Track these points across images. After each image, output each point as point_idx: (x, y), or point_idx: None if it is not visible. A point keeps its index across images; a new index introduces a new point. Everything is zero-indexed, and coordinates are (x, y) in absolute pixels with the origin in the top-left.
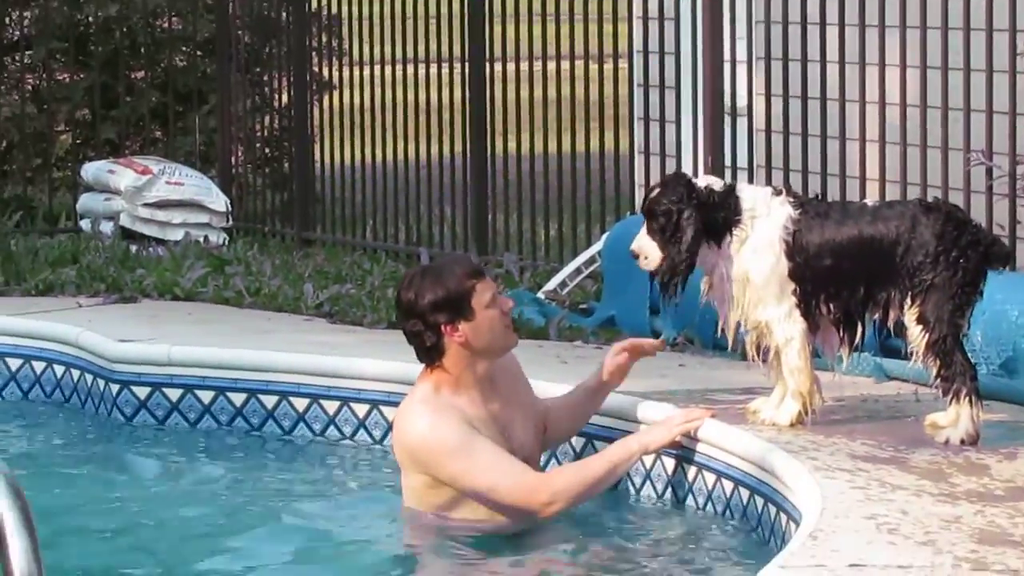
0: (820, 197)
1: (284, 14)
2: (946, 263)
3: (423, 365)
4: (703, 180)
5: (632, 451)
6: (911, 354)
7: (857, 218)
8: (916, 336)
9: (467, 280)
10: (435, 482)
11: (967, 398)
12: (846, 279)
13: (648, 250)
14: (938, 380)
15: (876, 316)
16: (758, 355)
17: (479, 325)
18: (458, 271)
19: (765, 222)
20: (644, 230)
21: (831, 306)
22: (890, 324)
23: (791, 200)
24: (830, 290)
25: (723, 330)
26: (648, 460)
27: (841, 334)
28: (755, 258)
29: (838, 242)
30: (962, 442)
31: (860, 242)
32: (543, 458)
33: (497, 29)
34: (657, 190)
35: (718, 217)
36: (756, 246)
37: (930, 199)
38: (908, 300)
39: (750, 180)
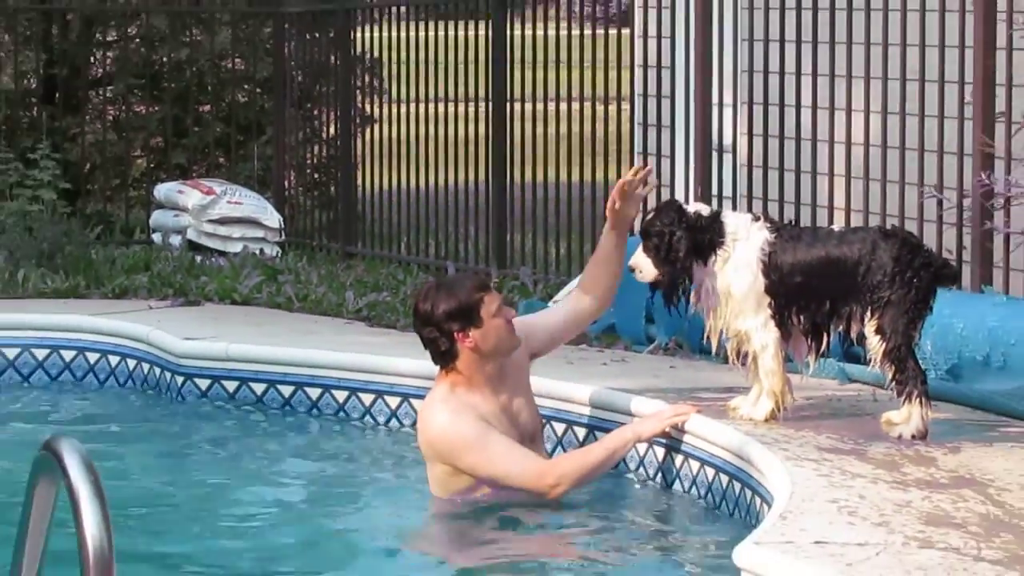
0: (793, 223)
1: (333, 57)
2: (901, 282)
3: (438, 367)
4: (693, 206)
5: (627, 439)
6: (870, 360)
7: (825, 241)
8: (874, 345)
9: (476, 293)
10: (455, 471)
11: (918, 399)
12: (814, 294)
13: (643, 265)
14: (893, 383)
15: (840, 327)
16: (738, 359)
17: (487, 332)
18: (468, 285)
19: (745, 244)
20: (640, 248)
21: (801, 318)
22: (852, 335)
23: (768, 226)
24: (800, 304)
25: (708, 336)
26: (641, 448)
27: (809, 342)
28: (736, 275)
29: (808, 262)
30: (913, 437)
31: (827, 262)
32: (549, 446)
33: (517, 73)
34: (652, 214)
35: (705, 239)
36: (737, 265)
37: (888, 227)
38: (868, 313)
39: (734, 208)
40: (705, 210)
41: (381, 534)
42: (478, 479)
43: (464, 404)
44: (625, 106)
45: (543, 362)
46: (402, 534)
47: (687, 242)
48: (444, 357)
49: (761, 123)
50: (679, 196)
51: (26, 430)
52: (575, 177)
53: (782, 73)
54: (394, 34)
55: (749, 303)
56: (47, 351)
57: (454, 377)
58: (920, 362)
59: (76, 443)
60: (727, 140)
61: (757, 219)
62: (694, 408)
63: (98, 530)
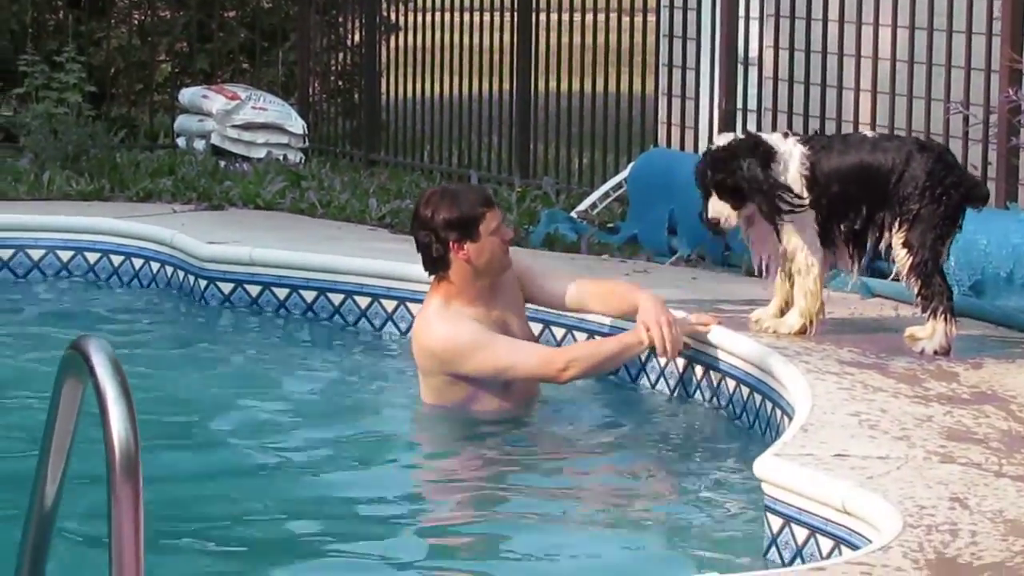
0: (819, 133)
1: None
2: (932, 197)
3: (430, 276)
4: (722, 139)
5: (642, 338)
6: (896, 274)
7: (858, 148)
8: (902, 258)
9: (479, 207)
10: (453, 380)
11: (943, 315)
12: (852, 201)
13: (722, 211)
14: (919, 298)
15: (875, 236)
16: (765, 269)
17: (482, 247)
18: (472, 198)
19: (792, 163)
20: (713, 199)
21: (842, 227)
22: (882, 246)
23: (800, 139)
24: (841, 212)
25: (759, 262)
26: (662, 359)
27: (851, 251)
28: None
29: (843, 169)
30: (936, 352)
31: (861, 168)
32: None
33: None
34: (705, 169)
35: (764, 157)
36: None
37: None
38: (896, 224)
39: (758, 122)
40: (740, 136)
41: (397, 441)
42: (484, 378)
43: (460, 314)
44: (651, 17)
45: (567, 271)
46: (412, 442)
47: (755, 169)
48: (435, 264)
49: (787, 36)
50: (703, 109)
51: (50, 330)
52: (599, 88)
53: None
54: None
55: (796, 220)
56: (72, 253)
57: (447, 288)
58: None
59: (104, 343)
60: (752, 53)
61: (787, 135)
62: (715, 319)
63: (125, 429)
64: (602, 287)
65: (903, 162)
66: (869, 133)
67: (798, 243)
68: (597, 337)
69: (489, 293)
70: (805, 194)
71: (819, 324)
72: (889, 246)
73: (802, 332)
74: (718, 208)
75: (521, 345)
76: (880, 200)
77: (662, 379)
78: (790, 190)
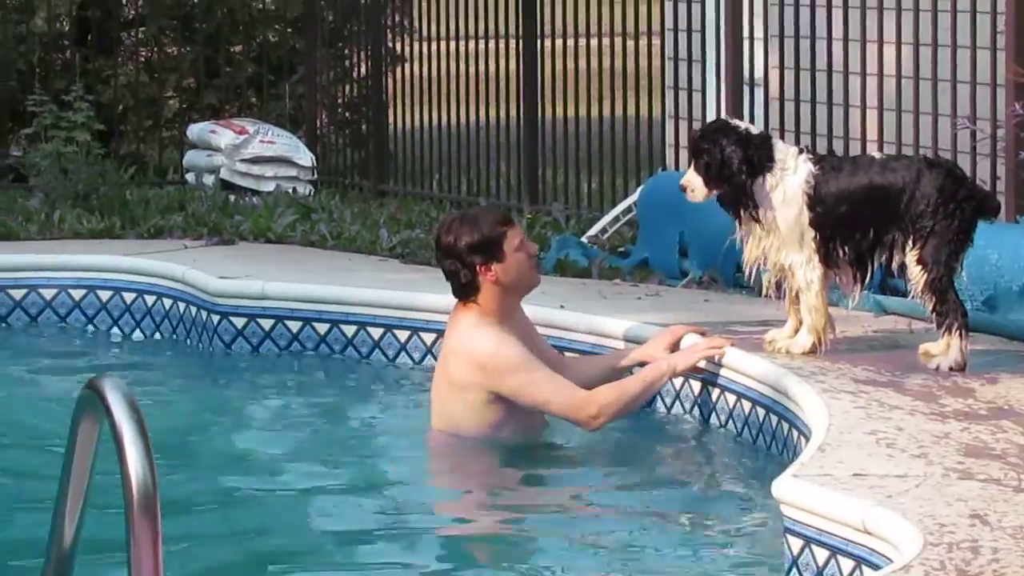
0: (833, 154)
1: None
2: (944, 213)
3: (458, 300)
4: (742, 124)
5: (663, 371)
6: (910, 291)
7: (867, 169)
8: (916, 275)
9: (499, 226)
10: (492, 399)
11: (958, 331)
12: (858, 224)
13: (694, 183)
14: (933, 314)
15: (883, 257)
16: (776, 291)
17: (509, 266)
18: (491, 218)
19: (792, 176)
20: (692, 168)
21: (846, 248)
22: (894, 265)
23: (811, 157)
24: (845, 234)
25: (745, 263)
26: (677, 382)
27: (854, 273)
28: (782, 208)
29: (851, 191)
30: (951, 369)
31: (870, 190)
32: None
33: (547, 9)
34: (700, 132)
35: (755, 156)
36: (784, 197)
37: (933, 157)
38: (910, 243)
39: None
40: (754, 129)
41: (414, 471)
42: (519, 401)
43: (501, 331)
44: (656, 40)
45: (578, 296)
46: (431, 470)
47: (739, 155)
48: (465, 290)
49: (792, 56)
50: None
51: (64, 370)
52: (606, 112)
53: (813, 5)
54: None
55: (793, 237)
56: (84, 291)
57: (478, 309)
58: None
59: (119, 382)
60: (758, 73)
61: (801, 151)
62: (728, 341)
63: (142, 467)
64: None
65: (913, 180)
66: (878, 155)
67: (796, 260)
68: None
69: (513, 322)
70: (805, 211)
71: (828, 341)
72: (903, 265)
73: (814, 350)
74: (691, 178)
75: (560, 382)
76: (890, 220)
77: (678, 402)
78: (750, 198)
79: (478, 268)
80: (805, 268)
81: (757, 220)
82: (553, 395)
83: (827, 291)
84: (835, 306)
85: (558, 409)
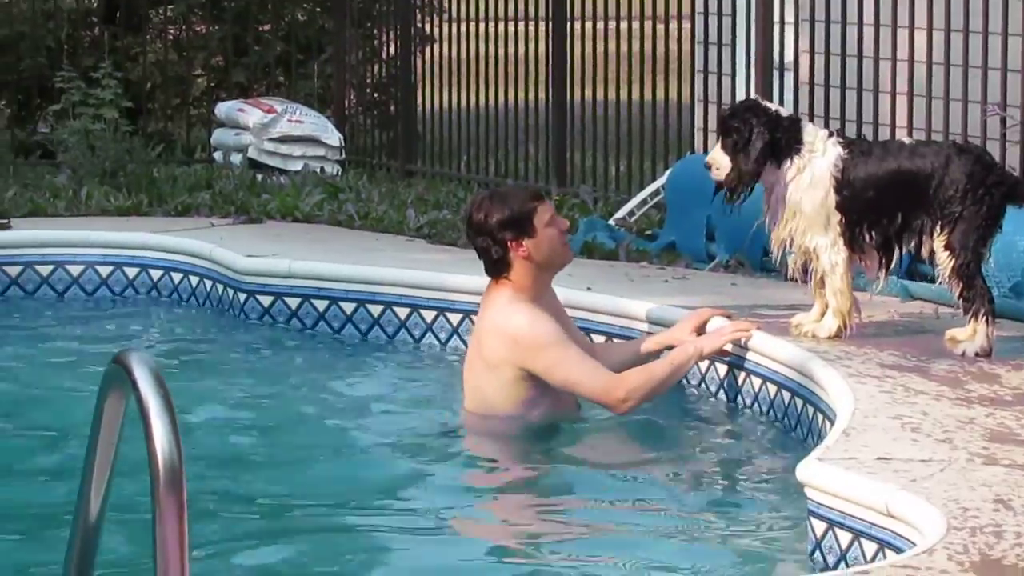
0: (863, 139)
1: None
2: (973, 199)
3: (490, 278)
4: (772, 105)
5: (690, 355)
6: (937, 276)
7: (896, 154)
8: (943, 260)
9: (529, 202)
10: (524, 376)
11: (984, 317)
12: (886, 209)
13: (720, 162)
14: (960, 300)
15: (911, 242)
16: (803, 274)
17: (540, 241)
18: (521, 195)
19: (821, 159)
20: (718, 145)
21: (873, 233)
22: (923, 251)
23: (840, 141)
24: (872, 219)
25: (771, 245)
26: (704, 365)
27: (881, 258)
28: (809, 190)
29: (879, 176)
30: (977, 355)
31: (899, 175)
32: None
33: None
34: (730, 110)
35: (783, 139)
36: (811, 179)
37: (963, 142)
38: (938, 228)
39: None
40: (784, 111)
41: (432, 450)
42: (549, 380)
43: (534, 307)
44: (686, 24)
45: (605, 279)
46: (456, 452)
47: (765, 138)
48: (497, 266)
49: (823, 41)
50: None
51: (91, 345)
52: (635, 96)
53: None
54: None
55: (819, 220)
56: (111, 268)
57: (511, 285)
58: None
59: (146, 356)
60: (788, 58)
61: (831, 135)
62: (754, 325)
63: (168, 443)
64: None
65: (942, 166)
66: (907, 140)
67: (820, 243)
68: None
69: (544, 301)
70: (832, 195)
71: (853, 324)
72: (931, 250)
73: (839, 334)
74: (716, 156)
75: (591, 363)
76: (919, 205)
77: (703, 384)
78: (749, 179)
79: (509, 244)
80: (830, 251)
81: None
82: (583, 376)
83: (852, 274)
84: (861, 291)
85: (587, 391)
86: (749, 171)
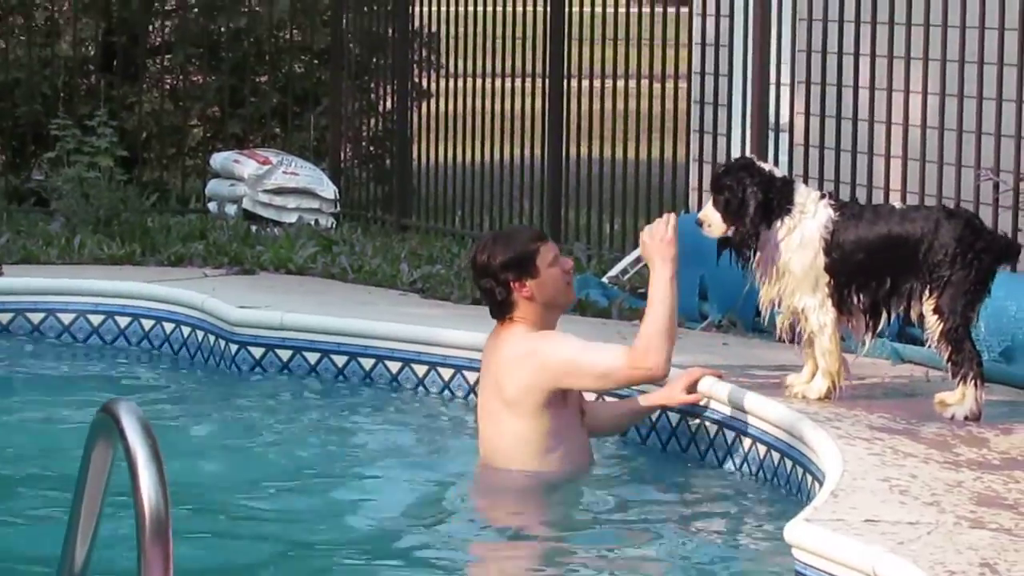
0: (855, 202)
1: (390, 30)
2: (963, 263)
3: (496, 320)
4: (766, 165)
5: (664, 276)
6: (927, 340)
7: (887, 219)
8: (932, 324)
9: (532, 243)
10: (547, 400)
11: (973, 381)
12: (875, 272)
13: (712, 219)
14: (949, 364)
15: (900, 306)
16: (789, 333)
17: (543, 282)
18: (524, 236)
19: (811, 220)
20: (710, 202)
21: (861, 296)
22: (912, 314)
23: (832, 203)
24: (860, 282)
25: (759, 304)
26: (694, 424)
27: (868, 320)
28: (798, 251)
29: (869, 240)
30: (966, 418)
31: (889, 239)
32: None
33: (574, 50)
34: (724, 168)
35: (774, 200)
36: (800, 240)
37: (953, 207)
38: (927, 292)
39: None
40: (778, 172)
41: (430, 505)
42: (576, 383)
43: (547, 331)
44: (682, 84)
45: (596, 336)
46: (451, 504)
47: (758, 198)
48: (501, 307)
49: (818, 103)
50: None
51: (80, 394)
52: (631, 154)
53: (840, 53)
54: (451, 8)
55: (808, 281)
56: (103, 317)
57: (519, 323)
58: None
59: (134, 406)
60: (783, 119)
61: (823, 196)
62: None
63: (155, 492)
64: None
65: (932, 230)
66: (898, 204)
67: (809, 304)
68: None
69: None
70: (821, 256)
71: (842, 385)
72: (920, 314)
73: (829, 395)
74: (708, 213)
75: (610, 348)
76: (908, 269)
77: (693, 444)
78: (752, 239)
79: (512, 285)
80: (818, 312)
81: (753, 265)
82: (612, 362)
83: (840, 336)
84: (851, 352)
85: (623, 373)
86: (748, 231)
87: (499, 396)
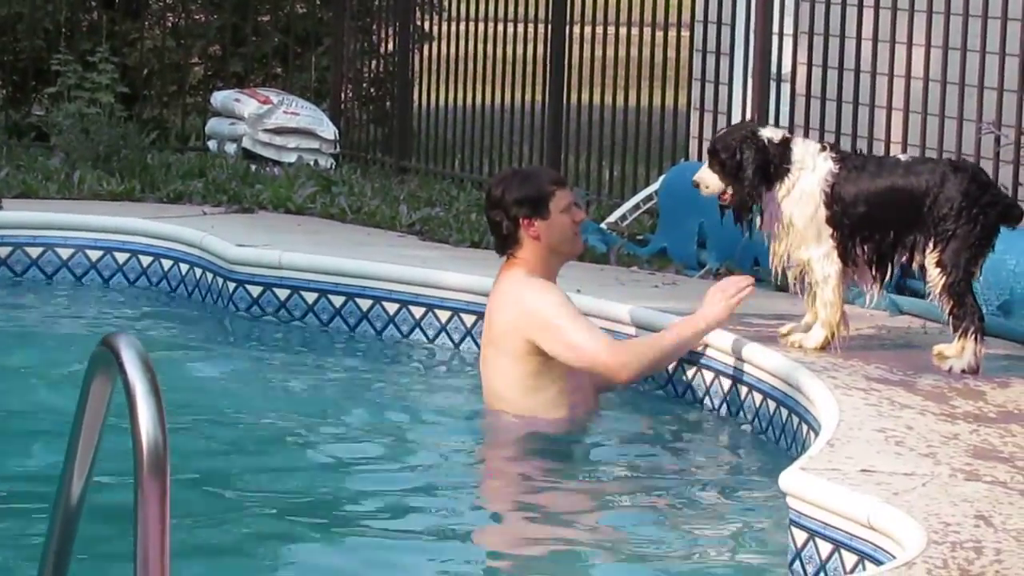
0: (859, 153)
1: None
2: (968, 217)
3: (501, 256)
4: (766, 131)
5: (699, 329)
6: (928, 293)
7: (891, 171)
8: (934, 278)
9: (549, 185)
10: (530, 349)
11: (974, 335)
12: (879, 224)
13: (708, 180)
14: (950, 317)
15: (903, 258)
16: (802, 286)
17: (552, 224)
18: (543, 177)
19: (810, 174)
20: (706, 165)
21: (865, 248)
22: (915, 265)
23: (833, 155)
24: (865, 234)
25: (771, 261)
26: (691, 373)
27: (874, 272)
28: (798, 205)
29: (872, 192)
30: (963, 372)
31: (893, 192)
32: None
33: None
34: (722, 132)
35: (771, 164)
36: (800, 194)
37: (959, 160)
38: (931, 245)
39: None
40: (777, 135)
41: (424, 449)
42: (551, 349)
43: (546, 282)
44: (684, 32)
45: (594, 282)
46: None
47: (754, 163)
48: (505, 241)
49: (820, 54)
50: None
51: (78, 329)
52: (631, 101)
53: (843, 4)
54: None
55: (810, 233)
56: (101, 252)
57: (521, 264)
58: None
59: (134, 339)
60: (785, 69)
61: (824, 148)
62: (751, 279)
63: (153, 427)
64: None
65: (938, 184)
66: (903, 156)
67: (814, 255)
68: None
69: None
70: (822, 209)
71: (841, 338)
72: (922, 266)
73: (826, 345)
74: (704, 175)
75: (596, 331)
76: (912, 222)
77: (689, 392)
78: (751, 201)
79: (521, 221)
80: (823, 262)
81: (757, 227)
82: (583, 339)
83: (843, 287)
84: (851, 304)
85: (590, 352)
86: (746, 197)
87: (489, 333)
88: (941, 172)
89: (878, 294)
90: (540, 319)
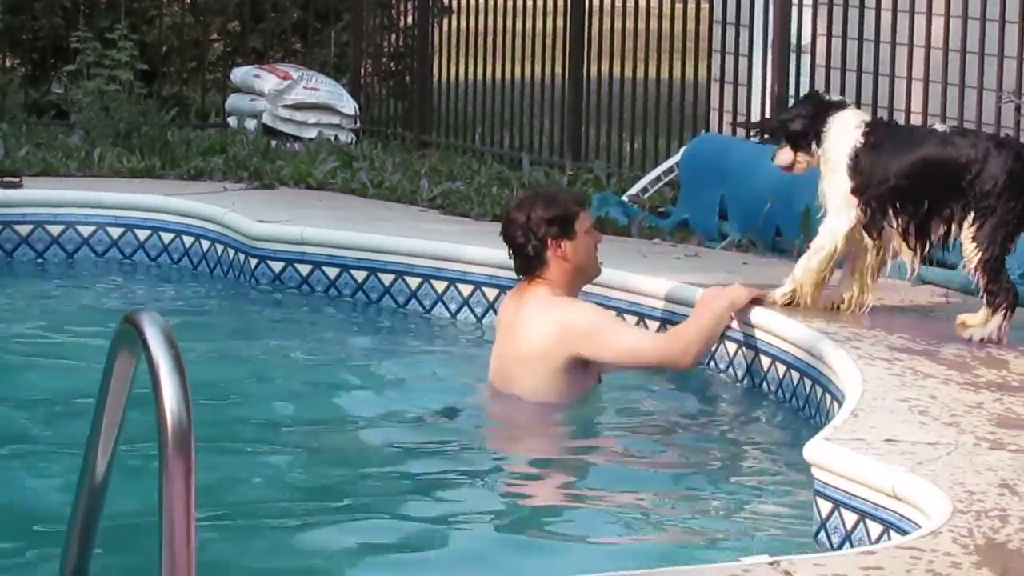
0: (890, 123)
1: None
2: (1010, 195)
3: (524, 278)
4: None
5: (724, 306)
6: (964, 266)
7: (925, 141)
8: (970, 252)
9: (575, 205)
10: (571, 363)
11: (1004, 311)
12: (911, 195)
13: (785, 159)
14: (984, 292)
15: (941, 229)
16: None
17: (578, 245)
18: (567, 197)
19: (838, 143)
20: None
21: (899, 219)
22: (951, 239)
23: (865, 124)
24: (896, 205)
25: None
26: (715, 345)
27: (913, 244)
28: (828, 177)
29: (905, 164)
30: (983, 341)
31: (928, 163)
32: None
33: None
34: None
35: (812, 130)
36: (830, 166)
37: (1002, 135)
38: (968, 220)
39: None
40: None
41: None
42: (603, 358)
43: (573, 299)
44: (704, 3)
45: (616, 254)
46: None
47: (805, 114)
48: (530, 263)
49: (840, 24)
50: (755, 96)
51: (100, 307)
52: (652, 73)
53: None
54: None
55: (834, 203)
56: (122, 230)
57: (546, 284)
58: None
59: (157, 316)
60: (805, 40)
61: (861, 120)
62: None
63: (177, 402)
64: None
65: (980, 159)
66: (939, 127)
67: (827, 225)
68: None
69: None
70: (847, 179)
71: (869, 300)
72: (955, 238)
73: (788, 302)
74: (782, 156)
75: (641, 330)
76: (950, 195)
77: (712, 363)
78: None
79: (549, 242)
80: (831, 235)
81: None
82: (640, 342)
83: (835, 259)
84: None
85: (650, 354)
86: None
87: (516, 351)
88: (984, 147)
89: (918, 265)
90: (583, 331)
